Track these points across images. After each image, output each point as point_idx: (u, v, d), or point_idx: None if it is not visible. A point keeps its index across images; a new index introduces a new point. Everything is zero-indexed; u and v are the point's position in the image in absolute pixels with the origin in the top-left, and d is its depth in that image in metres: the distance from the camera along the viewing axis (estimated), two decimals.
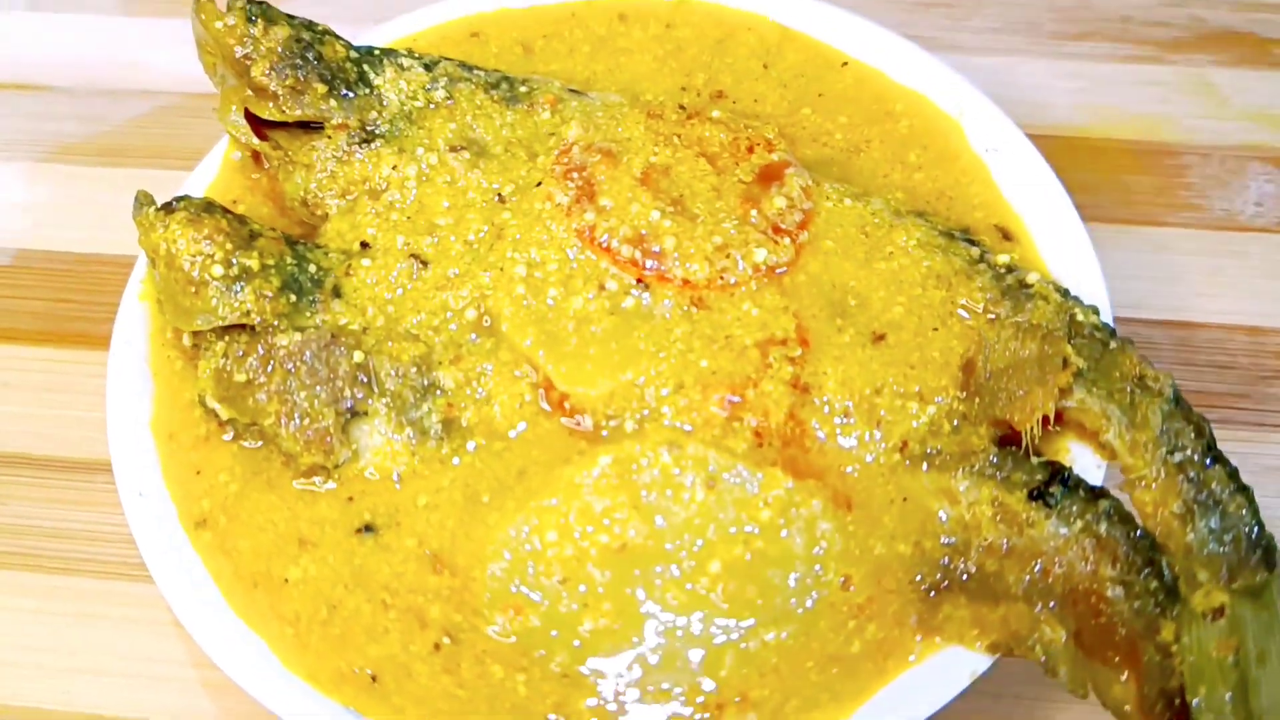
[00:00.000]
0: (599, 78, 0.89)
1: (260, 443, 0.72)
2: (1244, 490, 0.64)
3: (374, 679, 0.65)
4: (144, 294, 0.78)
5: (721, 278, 0.74)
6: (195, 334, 0.74)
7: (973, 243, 0.78)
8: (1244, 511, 0.63)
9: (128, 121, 1.00)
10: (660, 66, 0.89)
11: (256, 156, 0.83)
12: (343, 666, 0.65)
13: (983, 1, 1.04)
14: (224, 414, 0.71)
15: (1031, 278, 0.74)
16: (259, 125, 0.81)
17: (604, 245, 0.74)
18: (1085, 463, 0.69)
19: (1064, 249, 0.78)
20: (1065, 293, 0.74)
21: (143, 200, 0.75)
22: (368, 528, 0.69)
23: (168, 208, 0.74)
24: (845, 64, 0.89)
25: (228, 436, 0.72)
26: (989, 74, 0.98)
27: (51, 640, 0.76)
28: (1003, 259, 0.76)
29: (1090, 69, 1.00)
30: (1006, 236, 0.80)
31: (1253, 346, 0.85)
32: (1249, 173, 0.94)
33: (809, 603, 0.66)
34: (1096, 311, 0.73)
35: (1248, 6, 1.04)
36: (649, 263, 0.74)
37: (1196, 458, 0.66)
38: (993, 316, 0.73)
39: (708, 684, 0.64)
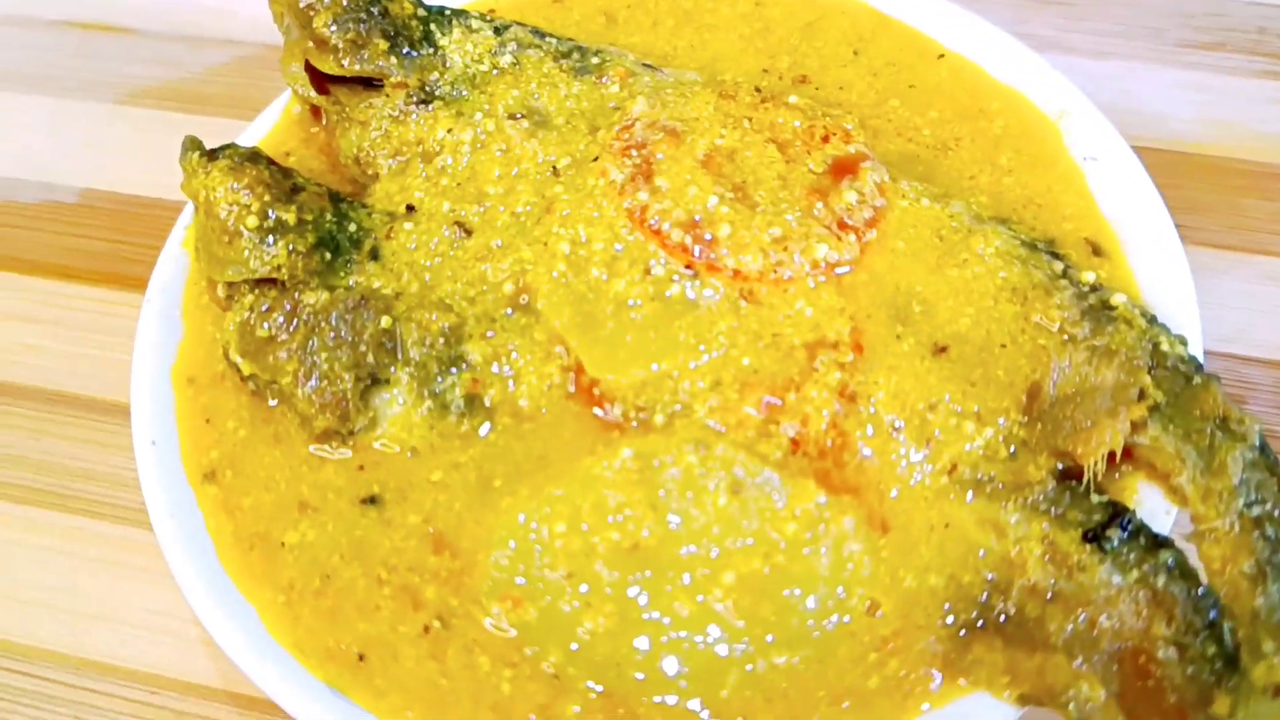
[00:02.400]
0: (679, 53, 0.85)
1: (277, 402, 0.70)
2: None
3: (361, 658, 0.62)
4: (186, 241, 0.76)
5: (776, 271, 0.69)
6: (229, 285, 0.72)
7: (1057, 256, 0.72)
8: None
9: (207, 69, 1.00)
10: (745, 46, 0.85)
11: (316, 111, 0.81)
12: (330, 643, 0.62)
13: (1105, 2, 0.96)
14: (245, 369, 0.69)
15: (1117, 299, 0.68)
16: (321, 79, 0.79)
17: (654, 227, 0.70)
18: (1153, 507, 0.62)
19: (1158, 270, 0.71)
20: (1152, 319, 0.68)
21: (189, 145, 0.73)
22: (373, 499, 0.66)
23: (212, 155, 0.72)
24: (941, 56, 0.83)
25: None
26: (1102, 79, 0.90)
27: (68, 582, 0.75)
28: (1088, 276, 0.70)
29: (1216, 81, 0.92)
30: (1097, 252, 0.73)
31: None
32: None
33: (828, 627, 0.61)
34: (1184, 342, 0.66)
35: None
36: (699, 249, 0.69)
37: (1277, 514, 0.59)
38: (1068, 337, 0.67)
39: (707, 703, 0.59)
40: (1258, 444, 0.61)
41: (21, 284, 0.88)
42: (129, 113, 0.97)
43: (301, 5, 0.77)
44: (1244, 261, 0.82)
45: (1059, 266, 0.70)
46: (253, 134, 0.82)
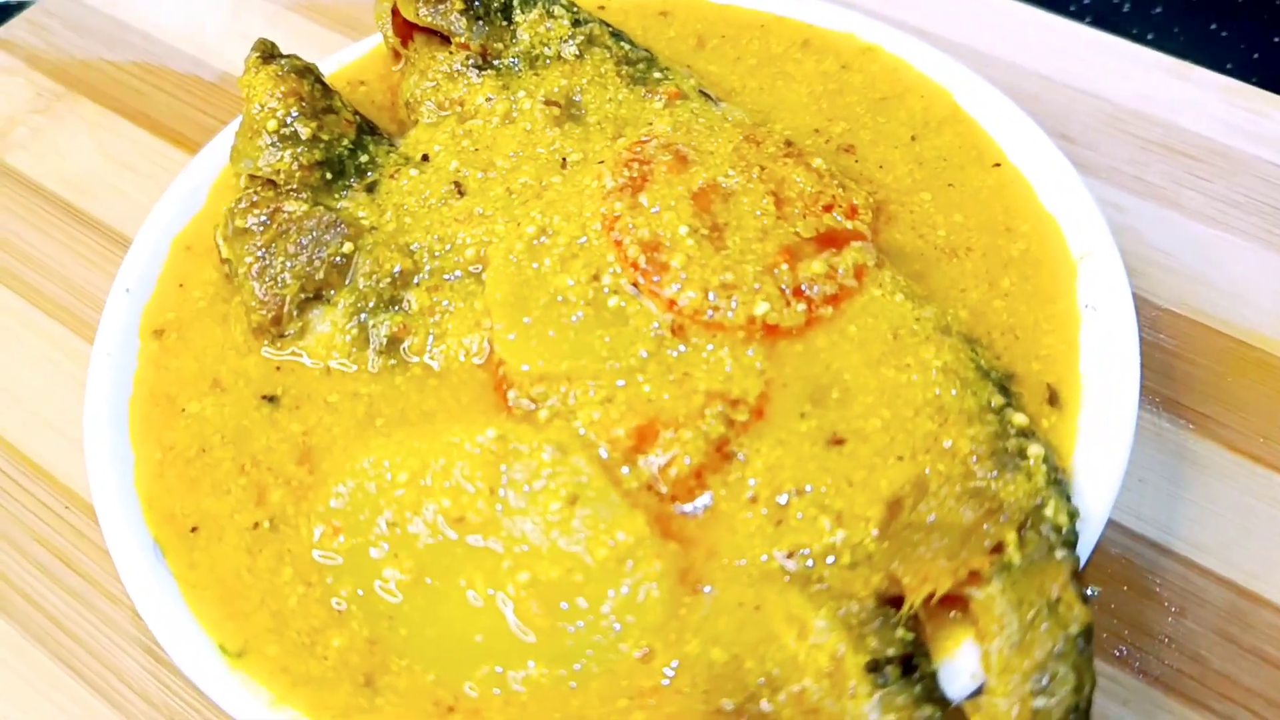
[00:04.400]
0: (747, 91, 0.85)
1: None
2: None
3: (193, 530, 0.67)
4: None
5: (711, 313, 0.69)
6: (250, 176, 0.78)
7: (1005, 391, 0.67)
8: None
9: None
10: (810, 102, 0.84)
11: (399, 53, 0.87)
12: (176, 508, 0.68)
13: (1241, 169, 0.88)
14: (223, 251, 0.75)
15: (1033, 450, 0.63)
16: (408, 25, 0.85)
17: (617, 238, 0.71)
18: (962, 665, 0.58)
19: (1099, 437, 0.65)
20: (1056, 481, 0.63)
21: (256, 46, 0.80)
22: (272, 398, 0.71)
23: (269, 58, 0.79)
24: (997, 165, 0.79)
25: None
26: (1198, 246, 0.83)
27: (46, 388, 0.85)
28: (1019, 419, 0.65)
29: None
30: (1053, 400, 0.68)
31: None
32: None
33: (592, 658, 0.60)
34: (1074, 515, 0.61)
35: None
36: (648, 271, 0.70)
37: (1057, 713, 0.54)
38: (966, 472, 0.63)
39: (449, 684, 0.60)
40: (1076, 635, 0.56)
41: (137, 136, 0.98)
42: (292, 19, 1.06)
43: None
44: (1259, 476, 0.74)
45: (999, 401, 0.66)
46: (341, 58, 0.88)
